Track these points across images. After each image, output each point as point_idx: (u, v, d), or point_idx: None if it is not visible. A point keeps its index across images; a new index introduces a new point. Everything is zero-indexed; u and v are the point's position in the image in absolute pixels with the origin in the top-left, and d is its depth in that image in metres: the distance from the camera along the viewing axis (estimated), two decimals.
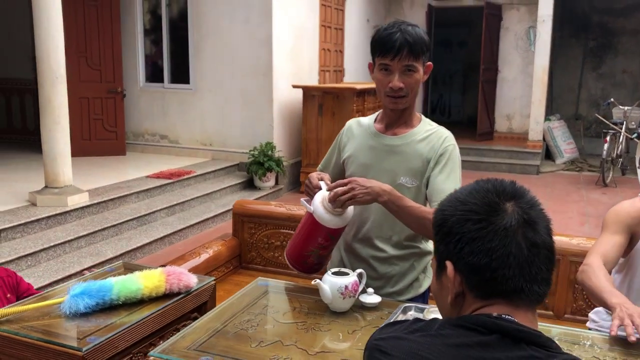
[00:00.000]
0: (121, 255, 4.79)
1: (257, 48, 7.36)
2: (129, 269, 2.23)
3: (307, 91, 7.49)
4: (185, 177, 6.63)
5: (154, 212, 5.65)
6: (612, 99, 9.17)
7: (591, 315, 2.18)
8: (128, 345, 1.72)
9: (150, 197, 6.04)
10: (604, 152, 8.31)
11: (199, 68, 7.72)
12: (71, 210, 5.06)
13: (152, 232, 5.36)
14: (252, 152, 7.21)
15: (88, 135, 7.49)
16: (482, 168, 9.45)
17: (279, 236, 3.15)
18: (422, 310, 1.77)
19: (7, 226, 4.51)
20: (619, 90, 11.13)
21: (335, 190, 1.77)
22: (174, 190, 6.43)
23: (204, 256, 2.95)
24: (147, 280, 1.89)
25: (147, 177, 6.46)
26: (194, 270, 2.79)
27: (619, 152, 8.73)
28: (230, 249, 3.15)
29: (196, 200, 6.32)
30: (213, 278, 2.12)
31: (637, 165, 6.64)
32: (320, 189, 1.87)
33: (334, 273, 1.82)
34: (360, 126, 2.11)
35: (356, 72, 10.13)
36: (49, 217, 4.85)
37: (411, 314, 1.75)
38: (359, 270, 1.86)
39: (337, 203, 1.75)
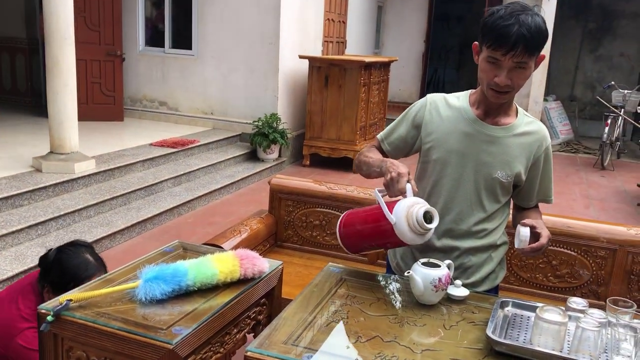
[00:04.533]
0: (132, 226, 4.65)
1: (264, 15, 7.13)
2: (187, 248, 2.12)
3: (314, 62, 7.32)
4: (190, 146, 6.45)
5: (160, 182, 5.50)
6: (612, 82, 9.17)
7: None
8: (209, 336, 1.62)
9: (156, 166, 5.87)
10: (604, 135, 8.34)
11: (203, 34, 7.47)
12: (78, 178, 4.87)
13: (161, 202, 5.20)
14: (256, 123, 7.05)
15: (85, 99, 7.20)
16: None
17: (318, 215, 3.05)
18: (519, 306, 1.69)
19: (13, 193, 4.32)
20: (615, 73, 11.15)
21: (543, 243, 1.75)
22: (178, 159, 6.25)
23: (244, 234, 2.83)
24: (221, 265, 1.78)
25: (151, 145, 6.27)
26: (235, 248, 2.69)
27: (617, 135, 8.77)
28: (267, 227, 3.04)
29: (201, 170, 6.16)
30: (281, 262, 2.02)
31: None
32: (404, 195, 1.69)
33: (423, 264, 1.73)
34: (449, 107, 1.89)
35: (357, 44, 9.95)
36: (55, 184, 4.67)
37: (508, 310, 1.68)
38: (447, 262, 1.77)
39: (532, 254, 1.78)
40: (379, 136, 2.03)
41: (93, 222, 4.54)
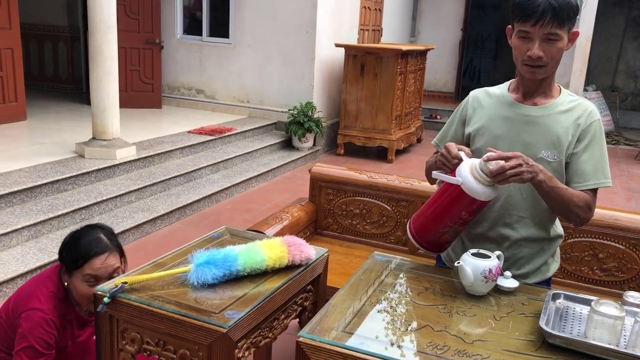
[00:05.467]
0: (172, 212, 4.72)
1: (301, 3, 7.12)
2: (233, 234, 2.15)
3: (350, 50, 7.27)
4: (227, 134, 6.51)
5: (199, 169, 5.56)
6: None
7: None
8: (260, 321, 1.64)
9: (194, 154, 5.94)
10: None
11: (240, 22, 7.50)
12: (119, 164, 4.97)
13: (199, 189, 5.27)
14: (291, 112, 7.06)
15: (124, 87, 7.31)
16: None
17: (358, 204, 3.05)
18: (571, 299, 1.67)
19: (58, 178, 4.43)
20: None
21: (502, 164, 1.63)
22: (216, 147, 6.32)
23: (285, 221, 2.85)
24: (270, 251, 1.80)
25: (189, 132, 6.35)
26: (278, 235, 2.72)
27: None
28: (308, 215, 3.05)
29: (238, 158, 6.22)
30: (327, 250, 2.03)
31: None
32: (460, 159, 1.73)
33: (473, 254, 1.72)
34: (489, 96, 1.95)
35: (393, 32, 9.86)
36: (98, 170, 4.77)
37: (560, 302, 1.65)
38: (497, 252, 1.75)
39: (498, 177, 1.63)
40: (433, 142, 2.09)
41: (134, 208, 4.63)
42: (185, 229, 4.68)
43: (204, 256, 1.72)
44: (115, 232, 4.07)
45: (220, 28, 7.71)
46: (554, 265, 1.99)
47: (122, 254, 2.08)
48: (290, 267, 1.84)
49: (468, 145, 1.96)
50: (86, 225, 2.13)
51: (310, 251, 1.89)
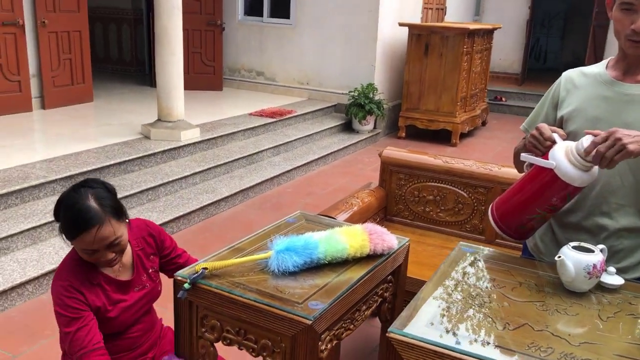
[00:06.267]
0: (235, 194, 4.72)
1: None
2: (309, 219, 2.07)
3: (413, 30, 7.06)
4: (287, 116, 6.46)
5: (260, 152, 5.55)
6: None
7: None
8: (343, 312, 1.56)
9: (256, 136, 5.93)
10: None
11: (301, 2, 7.40)
12: (184, 146, 5.00)
13: (261, 171, 5.25)
14: (352, 94, 6.94)
15: (187, 69, 7.32)
16: None
17: (432, 190, 2.92)
18: None
19: (126, 159, 4.49)
20: None
21: (597, 149, 1.48)
22: (276, 129, 6.29)
23: (355, 207, 2.76)
24: (351, 239, 1.71)
25: (250, 114, 6.34)
26: (348, 221, 2.63)
27: None
28: (378, 200, 2.95)
29: (298, 141, 6.17)
30: (408, 239, 1.93)
31: None
32: (553, 141, 1.60)
33: (574, 247, 1.58)
34: (585, 76, 1.79)
35: (457, 11, 9.54)
36: (163, 151, 4.81)
37: None
38: (601, 246, 1.61)
39: (602, 161, 1.47)
40: (522, 127, 1.95)
41: (198, 189, 4.65)
42: (248, 211, 4.66)
43: (284, 243, 1.65)
44: (182, 214, 4.12)
45: (281, 9, 7.64)
46: None
47: (120, 216, 1.71)
48: (371, 257, 1.75)
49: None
50: (74, 186, 1.72)
51: (392, 240, 1.79)
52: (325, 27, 7.31)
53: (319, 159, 5.96)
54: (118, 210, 1.71)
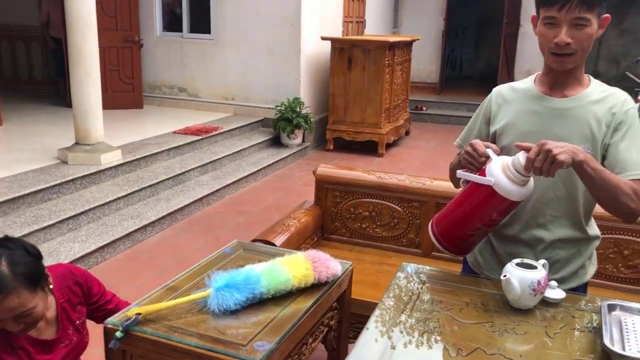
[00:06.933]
0: (162, 217, 4.53)
1: None
2: (247, 249, 1.98)
3: (336, 43, 7.10)
4: (213, 133, 6.31)
5: (187, 172, 5.36)
6: None
7: None
8: (290, 349, 1.48)
9: (181, 155, 5.74)
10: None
11: (222, 17, 7.27)
12: (105, 169, 4.75)
13: (189, 192, 5.08)
14: (278, 108, 6.88)
15: (104, 87, 6.96)
16: None
17: (368, 206, 2.89)
18: (629, 310, 1.54)
19: (42, 187, 4.20)
20: None
21: (528, 157, 1.50)
22: (203, 147, 6.12)
23: (293, 228, 2.69)
24: (294, 269, 1.64)
25: (174, 133, 6.14)
26: (286, 244, 2.56)
27: None
28: (314, 219, 2.89)
29: (227, 158, 6.03)
30: (351, 262, 1.88)
31: None
32: (487, 157, 1.61)
33: (517, 264, 1.58)
34: (514, 91, 1.82)
35: (376, 24, 9.71)
36: (83, 176, 4.55)
37: (615, 314, 1.52)
38: (542, 261, 1.62)
39: (542, 173, 1.49)
40: (456, 142, 1.95)
41: (123, 215, 4.42)
42: (177, 235, 4.48)
43: (224, 279, 1.56)
44: (107, 242, 3.88)
45: (201, 24, 7.47)
46: (592, 269, 1.87)
47: (35, 286, 1.51)
48: (315, 285, 1.69)
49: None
50: None
51: (336, 266, 1.74)
52: (248, 42, 7.22)
53: (248, 175, 5.84)
54: (35, 279, 1.51)
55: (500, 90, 1.87)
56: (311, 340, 1.65)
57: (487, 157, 1.61)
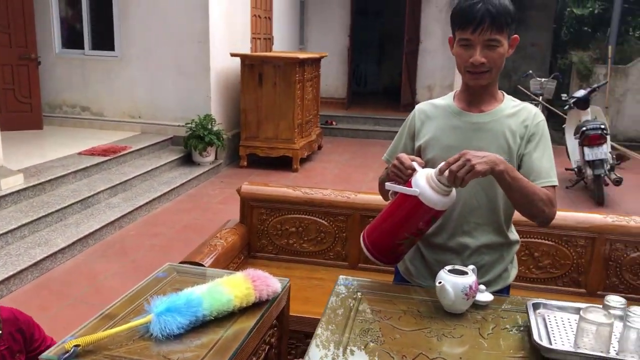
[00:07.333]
0: (73, 243, 4.30)
1: (191, 12, 6.84)
2: (181, 272, 1.94)
3: (246, 60, 7.12)
4: (122, 153, 6.09)
5: (96, 194, 5.14)
6: (530, 71, 9.59)
7: None
8: None
9: (89, 177, 5.49)
10: None
11: (126, 33, 7.06)
12: (6, 195, 4.45)
13: (100, 215, 4.86)
14: (189, 125, 6.76)
15: None
16: None
17: (294, 222, 2.92)
18: (550, 307, 1.66)
19: None
20: (528, 62, 11.71)
21: (450, 167, 1.60)
22: (111, 168, 5.89)
23: (220, 248, 2.66)
24: (235, 289, 1.63)
25: (80, 154, 5.86)
26: (215, 264, 2.54)
27: None
28: (241, 238, 2.88)
29: (137, 178, 5.83)
30: (288, 279, 1.89)
31: (572, 135, 7.00)
32: (413, 170, 1.70)
33: (450, 271, 1.67)
34: (435, 107, 1.94)
35: (283, 40, 9.82)
36: None
37: (540, 312, 1.64)
38: (472, 267, 1.72)
39: (456, 180, 1.59)
40: (384, 158, 2.03)
41: (29, 243, 4.15)
42: (90, 261, 4.27)
43: (164, 303, 1.52)
44: (13, 273, 3.64)
45: (104, 40, 7.22)
46: (514, 272, 2.01)
47: None
48: (256, 304, 1.68)
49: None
50: None
51: (276, 284, 1.74)
52: (155, 59, 7.05)
53: (161, 196, 5.68)
54: None
55: (422, 107, 1.98)
56: (255, 359, 1.65)
57: (413, 170, 1.70)
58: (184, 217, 5.40)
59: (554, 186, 1.81)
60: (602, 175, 6.17)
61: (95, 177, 5.54)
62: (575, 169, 6.75)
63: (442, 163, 1.65)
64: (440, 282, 1.63)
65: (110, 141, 6.53)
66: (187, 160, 6.89)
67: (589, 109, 6.98)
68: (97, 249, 4.50)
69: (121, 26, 7.05)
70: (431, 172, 1.66)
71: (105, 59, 7.20)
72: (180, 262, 2.42)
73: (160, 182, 6.02)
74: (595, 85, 7.62)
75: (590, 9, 16.24)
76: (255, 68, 7.08)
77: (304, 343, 2.40)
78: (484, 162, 1.61)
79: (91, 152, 5.94)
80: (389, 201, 1.82)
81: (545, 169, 1.80)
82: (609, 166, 6.25)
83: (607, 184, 6.30)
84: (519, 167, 1.81)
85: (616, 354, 1.43)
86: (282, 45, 9.68)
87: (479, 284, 1.78)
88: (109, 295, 3.67)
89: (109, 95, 7.29)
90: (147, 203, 5.40)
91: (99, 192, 5.17)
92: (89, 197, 5.02)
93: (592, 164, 6.18)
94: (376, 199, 2.65)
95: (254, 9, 8.26)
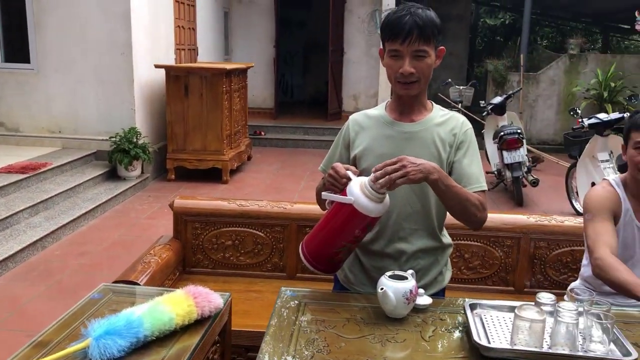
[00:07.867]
0: None
1: (112, 23, 6.64)
2: (117, 292, 1.88)
3: (171, 71, 6.99)
4: (42, 170, 5.80)
5: (15, 214, 4.86)
6: (449, 80, 9.96)
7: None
8: None
9: (6, 196, 5.19)
10: None
11: (42, 45, 6.75)
12: None
13: (20, 236, 4.61)
14: (113, 139, 6.54)
15: None
16: None
17: (230, 235, 2.89)
18: (486, 307, 1.73)
19: None
20: (447, 71, 12.16)
21: (384, 170, 1.64)
22: (31, 186, 5.60)
23: (154, 265, 2.59)
24: (176, 307, 1.59)
25: None
26: (150, 282, 2.47)
27: None
28: (176, 254, 2.81)
29: (59, 196, 5.57)
30: (229, 293, 1.87)
31: (491, 140, 7.32)
32: (348, 178, 1.73)
33: (390, 277, 1.71)
34: (369, 118, 1.99)
35: (208, 50, 9.72)
36: None
37: (477, 312, 1.71)
38: (410, 271, 1.76)
39: (389, 185, 1.63)
40: (320, 168, 2.06)
41: None
42: (11, 286, 4.03)
43: (103, 326, 1.46)
44: None
45: (18, 52, 6.87)
46: (448, 274, 2.08)
47: None
48: (198, 321, 1.65)
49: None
50: None
51: (217, 299, 1.72)
52: (75, 71, 6.78)
53: (86, 213, 5.45)
54: None
55: (356, 118, 2.02)
56: None
57: (348, 179, 1.73)
58: (111, 234, 5.21)
59: (483, 191, 1.89)
60: (521, 177, 6.50)
61: (13, 195, 5.25)
62: (495, 172, 7.07)
63: (377, 168, 1.69)
64: (382, 289, 1.67)
65: (29, 158, 6.21)
66: (113, 175, 6.66)
67: (505, 115, 7.35)
68: (19, 272, 4.26)
69: (37, 37, 6.73)
70: (365, 180, 1.70)
71: (20, 72, 6.85)
72: (114, 282, 2.33)
73: (84, 199, 5.78)
74: (510, 92, 8.05)
75: (502, 19, 17.15)
76: (181, 79, 6.96)
77: (245, 357, 2.38)
78: (418, 170, 1.67)
79: (8, 170, 5.62)
80: (326, 210, 1.84)
81: (475, 174, 1.89)
82: (526, 168, 6.59)
83: (525, 185, 6.64)
84: (449, 174, 1.88)
85: (549, 347, 1.51)
86: (207, 56, 9.57)
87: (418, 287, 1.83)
88: (34, 320, 3.49)
89: (24, 110, 6.93)
90: (71, 221, 5.17)
91: (18, 212, 4.89)
92: (6, 217, 4.74)
93: (511, 166, 6.50)
94: (312, 208, 2.68)
95: (178, 19, 8.13)
